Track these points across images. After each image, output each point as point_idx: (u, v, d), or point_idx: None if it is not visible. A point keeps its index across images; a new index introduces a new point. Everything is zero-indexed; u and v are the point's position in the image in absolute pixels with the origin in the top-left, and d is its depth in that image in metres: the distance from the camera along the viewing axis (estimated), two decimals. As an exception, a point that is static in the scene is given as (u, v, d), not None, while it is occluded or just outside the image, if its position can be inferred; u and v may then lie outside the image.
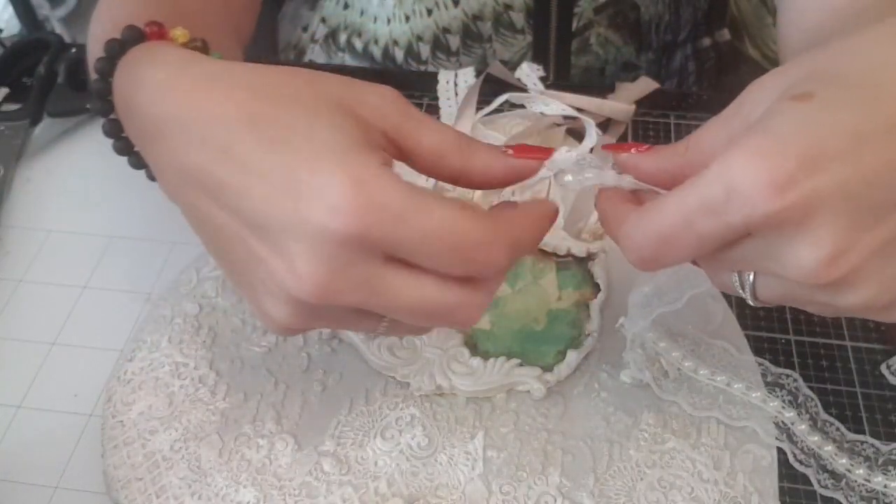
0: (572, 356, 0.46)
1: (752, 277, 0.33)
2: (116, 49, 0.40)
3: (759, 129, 0.30)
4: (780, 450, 0.43)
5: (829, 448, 0.42)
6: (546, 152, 0.38)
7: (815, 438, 0.42)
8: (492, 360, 0.46)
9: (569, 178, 0.37)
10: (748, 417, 0.43)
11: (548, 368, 0.45)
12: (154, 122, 0.36)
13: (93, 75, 0.42)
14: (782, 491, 0.42)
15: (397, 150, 0.35)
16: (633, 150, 0.36)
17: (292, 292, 0.32)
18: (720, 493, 0.41)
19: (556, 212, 0.38)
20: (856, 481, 0.41)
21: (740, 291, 0.34)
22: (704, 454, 0.43)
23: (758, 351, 0.47)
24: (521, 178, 0.37)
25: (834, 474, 0.42)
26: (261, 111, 0.33)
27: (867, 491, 0.41)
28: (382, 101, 0.35)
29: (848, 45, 0.33)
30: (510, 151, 0.37)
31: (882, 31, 0.33)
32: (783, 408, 0.44)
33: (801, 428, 0.43)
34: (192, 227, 0.37)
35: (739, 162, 0.29)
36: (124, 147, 0.42)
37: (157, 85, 0.37)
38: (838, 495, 0.41)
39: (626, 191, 0.37)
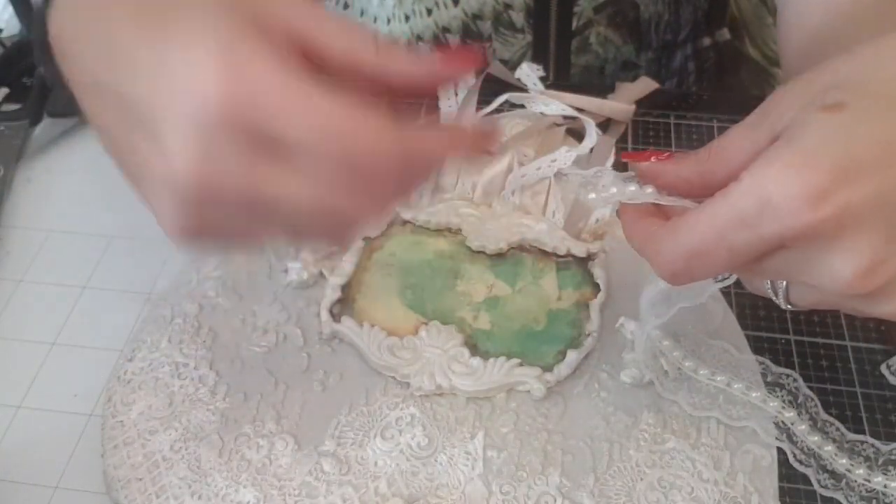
0: (572, 356, 0.46)
1: (784, 284, 0.33)
2: None
3: (791, 140, 0.30)
4: (779, 450, 0.43)
5: (830, 448, 0.42)
6: (471, 58, 0.36)
7: (815, 438, 0.42)
8: (492, 360, 0.46)
9: (592, 195, 0.36)
10: (748, 417, 0.43)
11: (548, 368, 0.45)
12: (60, 42, 0.35)
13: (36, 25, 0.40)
14: (782, 491, 0.42)
15: (306, 56, 0.33)
16: (653, 159, 0.35)
17: (169, 183, 0.31)
18: (720, 493, 0.41)
19: (474, 140, 0.36)
20: (856, 481, 0.41)
21: (773, 297, 0.34)
22: (704, 454, 0.43)
23: (758, 351, 0.47)
24: (444, 80, 0.35)
25: (834, 474, 0.42)
26: (148, 3, 0.32)
27: (867, 491, 0.41)
28: (288, 4, 0.33)
29: (874, 52, 0.32)
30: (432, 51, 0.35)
31: None
32: (783, 408, 0.44)
33: (801, 428, 0.43)
34: (103, 146, 0.35)
35: (772, 175, 0.29)
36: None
37: (63, 3, 0.35)
38: (838, 495, 0.41)
39: (649, 204, 0.36)
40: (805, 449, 0.42)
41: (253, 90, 0.29)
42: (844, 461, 0.42)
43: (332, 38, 0.33)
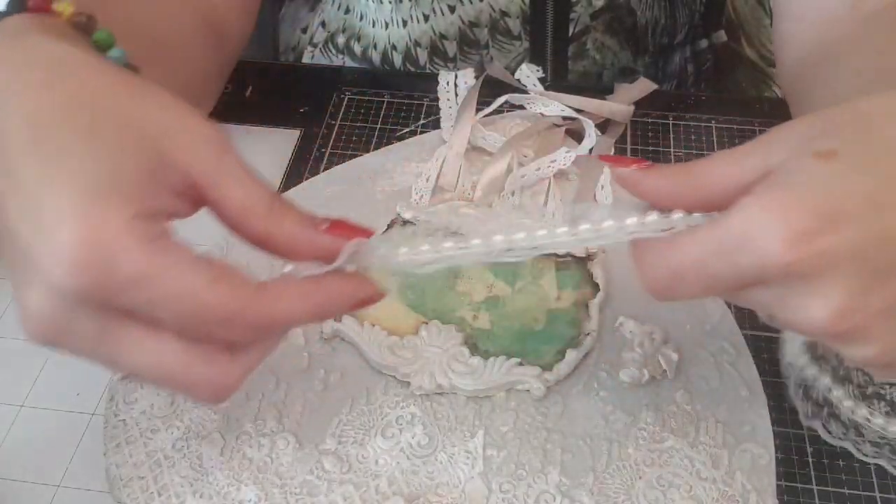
0: (572, 355, 0.46)
1: None
2: None
3: (780, 181, 0.31)
4: (777, 448, 0.43)
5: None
6: (360, 233, 0.35)
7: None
8: (492, 359, 0.46)
9: (586, 226, 0.35)
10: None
11: (547, 368, 0.46)
12: None
13: None
14: (780, 489, 0.42)
15: (201, 197, 0.33)
16: (634, 167, 0.35)
17: (23, 323, 0.32)
18: (718, 492, 0.41)
19: (358, 296, 0.35)
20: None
21: (762, 316, 0.35)
22: (703, 453, 0.43)
23: (756, 351, 0.47)
24: (325, 256, 0.34)
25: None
26: (51, 121, 0.31)
27: None
28: (197, 142, 0.33)
29: (872, 107, 0.33)
30: (325, 225, 0.35)
31: None
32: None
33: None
34: None
35: (758, 212, 0.30)
36: None
37: None
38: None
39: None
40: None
41: (111, 265, 0.29)
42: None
43: (230, 190, 0.33)
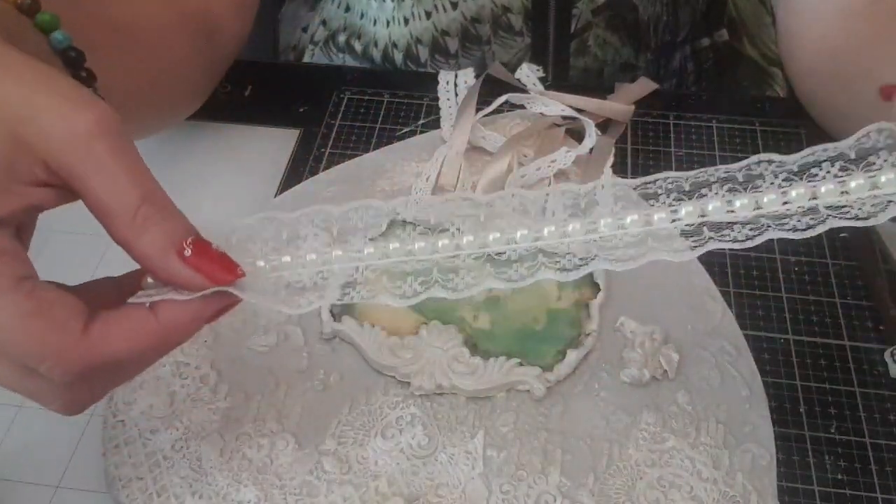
0: (572, 356, 0.46)
1: None
2: None
3: None
4: (778, 449, 0.43)
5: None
6: (227, 271, 0.32)
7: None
8: (492, 359, 0.46)
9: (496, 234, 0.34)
10: None
11: (548, 368, 0.46)
12: None
13: None
14: (781, 490, 0.42)
15: (66, 187, 0.31)
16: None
17: None
18: (719, 493, 0.41)
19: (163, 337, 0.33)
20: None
21: None
22: (703, 453, 0.43)
23: (757, 350, 0.47)
24: (179, 286, 0.32)
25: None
26: None
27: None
28: (58, 126, 0.29)
29: None
30: (188, 250, 0.31)
31: None
32: None
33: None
34: None
35: None
36: None
37: None
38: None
39: None
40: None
41: None
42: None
43: (92, 186, 0.30)
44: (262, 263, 0.34)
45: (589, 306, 0.48)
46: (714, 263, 0.51)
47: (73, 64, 0.40)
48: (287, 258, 0.34)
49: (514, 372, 0.45)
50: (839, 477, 0.43)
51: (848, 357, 0.47)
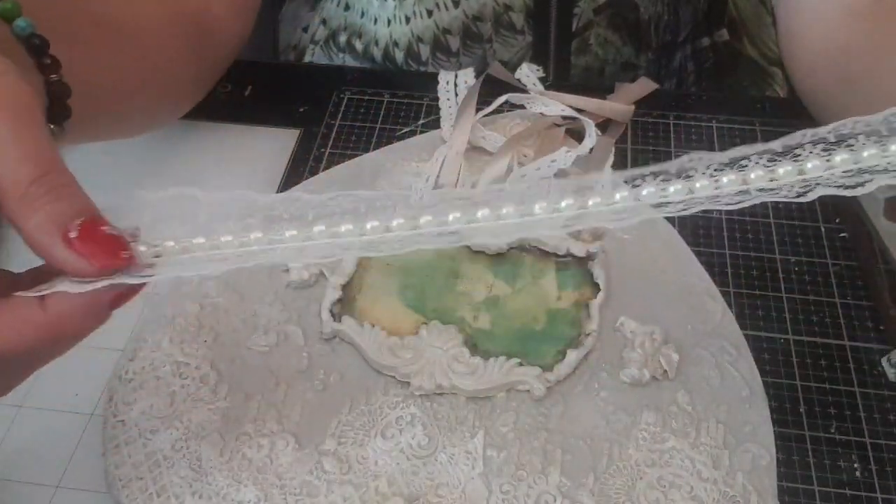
0: (572, 356, 0.46)
1: None
2: None
3: None
4: (778, 449, 0.43)
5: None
6: (110, 254, 0.30)
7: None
8: (492, 359, 0.46)
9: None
10: None
11: (548, 368, 0.46)
12: None
13: None
14: (781, 490, 0.42)
15: None
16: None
17: None
18: (719, 493, 0.41)
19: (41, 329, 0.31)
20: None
21: None
22: (704, 453, 0.43)
23: (757, 350, 0.47)
24: (70, 272, 0.30)
25: None
26: None
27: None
28: None
29: None
30: (73, 232, 0.30)
31: None
32: None
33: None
34: None
35: None
36: None
37: None
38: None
39: None
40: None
41: None
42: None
43: None
44: (171, 244, 0.32)
45: (589, 306, 0.48)
46: (714, 263, 0.51)
47: (37, 51, 0.40)
48: (201, 239, 0.33)
49: (514, 372, 0.45)
50: (839, 477, 0.43)
51: (848, 357, 0.47)
